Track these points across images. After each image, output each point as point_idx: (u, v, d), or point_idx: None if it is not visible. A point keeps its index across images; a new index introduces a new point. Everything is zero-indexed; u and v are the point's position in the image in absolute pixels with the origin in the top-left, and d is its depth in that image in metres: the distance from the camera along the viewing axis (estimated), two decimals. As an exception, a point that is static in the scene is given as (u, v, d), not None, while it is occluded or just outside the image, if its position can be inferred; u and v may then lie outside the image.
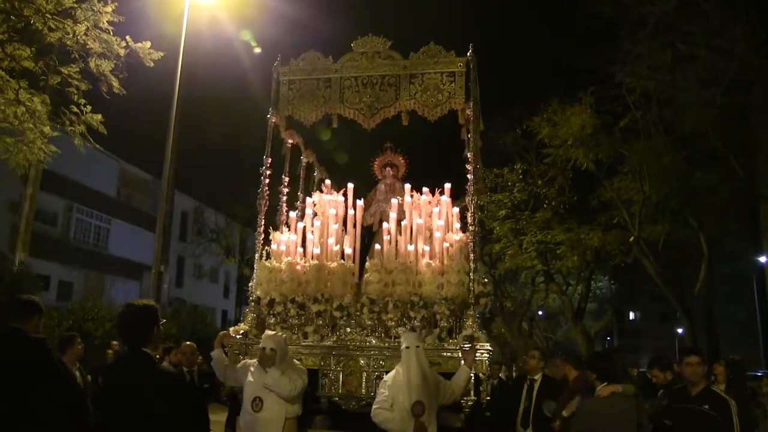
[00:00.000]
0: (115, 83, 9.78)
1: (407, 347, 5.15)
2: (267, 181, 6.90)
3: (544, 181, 18.60)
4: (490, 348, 5.82)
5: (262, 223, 6.79)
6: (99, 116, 9.97)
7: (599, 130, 16.31)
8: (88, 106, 9.87)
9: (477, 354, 5.60)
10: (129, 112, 15.61)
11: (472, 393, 5.54)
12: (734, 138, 15.83)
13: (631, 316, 61.05)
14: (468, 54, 6.78)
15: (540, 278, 22.15)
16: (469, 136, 6.92)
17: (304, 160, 8.31)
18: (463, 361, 5.47)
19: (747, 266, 31.79)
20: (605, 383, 4.93)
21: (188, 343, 8.49)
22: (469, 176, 6.59)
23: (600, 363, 5.18)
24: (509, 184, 18.71)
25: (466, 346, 5.57)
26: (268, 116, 7.09)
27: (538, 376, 7.07)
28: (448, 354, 5.74)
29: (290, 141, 7.69)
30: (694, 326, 17.28)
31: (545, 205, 18.51)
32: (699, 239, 16.66)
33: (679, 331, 34.54)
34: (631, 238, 16.64)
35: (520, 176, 18.73)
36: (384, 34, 7.13)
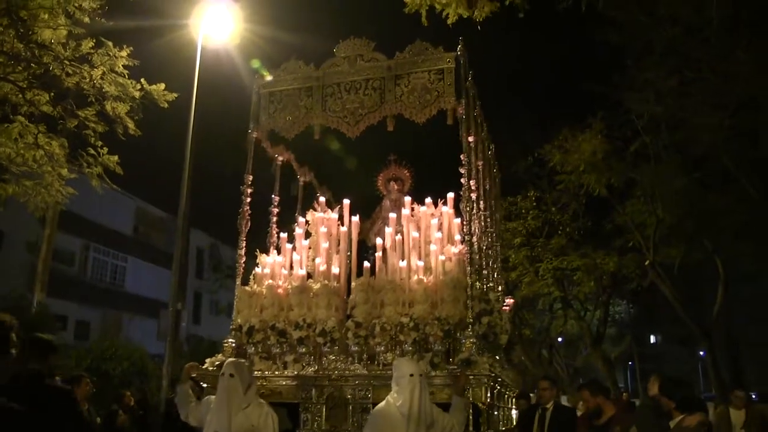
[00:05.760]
0: (131, 125, 9.97)
1: (411, 375, 4.38)
2: (248, 200, 6.49)
3: (558, 208, 18.68)
4: (490, 374, 5.14)
5: (243, 245, 6.37)
6: (115, 157, 10.16)
7: (610, 155, 16.38)
8: (104, 148, 10.07)
9: (475, 381, 4.98)
10: (145, 151, 15.86)
11: (470, 426, 4.91)
12: (746, 159, 15.80)
13: (652, 339, 60.13)
14: (458, 48, 6.20)
15: (558, 304, 22.06)
16: (468, 138, 6.12)
17: (301, 179, 7.90)
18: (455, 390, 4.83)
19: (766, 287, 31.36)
20: (686, 413, 4.73)
21: None
22: (462, 180, 5.93)
23: (679, 391, 4.94)
24: (523, 211, 18.81)
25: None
26: (249, 131, 6.67)
27: (549, 405, 6.95)
28: (442, 382, 5.05)
29: (279, 158, 7.29)
30: (714, 349, 17.06)
31: (560, 232, 18.58)
32: (715, 261, 16.54)
33: (702, 353, 34.02)
34: (647, 262, 16.57)
35: (534, 203, 18.86)
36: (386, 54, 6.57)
